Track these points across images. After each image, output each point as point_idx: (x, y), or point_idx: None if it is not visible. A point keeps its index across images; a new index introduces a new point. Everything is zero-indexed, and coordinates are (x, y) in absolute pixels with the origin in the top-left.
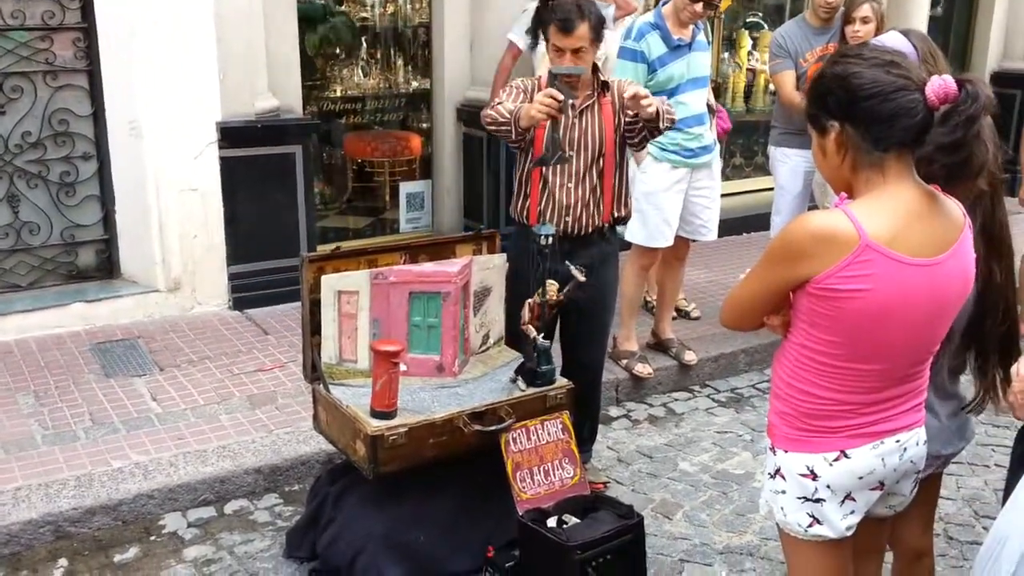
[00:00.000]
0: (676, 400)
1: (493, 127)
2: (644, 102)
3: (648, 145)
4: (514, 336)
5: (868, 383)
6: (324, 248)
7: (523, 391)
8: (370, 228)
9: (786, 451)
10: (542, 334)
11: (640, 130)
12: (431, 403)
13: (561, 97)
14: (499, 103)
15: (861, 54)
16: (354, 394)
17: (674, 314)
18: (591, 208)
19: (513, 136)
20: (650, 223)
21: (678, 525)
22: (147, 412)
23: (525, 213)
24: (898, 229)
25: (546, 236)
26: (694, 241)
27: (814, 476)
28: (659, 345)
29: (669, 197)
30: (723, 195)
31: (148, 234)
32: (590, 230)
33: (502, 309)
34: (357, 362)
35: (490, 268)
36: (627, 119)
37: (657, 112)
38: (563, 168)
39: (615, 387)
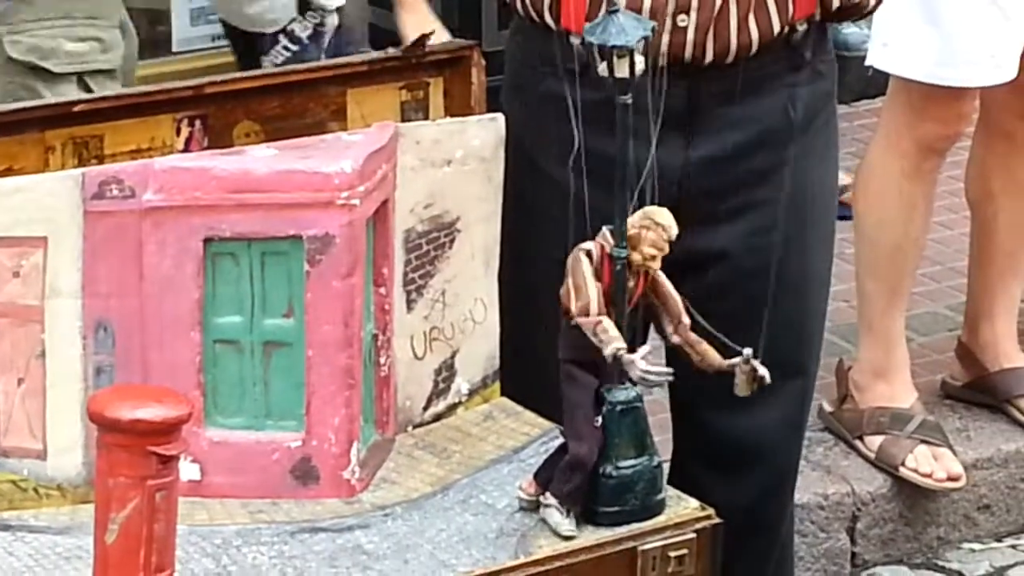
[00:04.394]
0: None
1: None
2: None
3: None
4: (525, 367)
5: None
6: None
7: (569, 534)
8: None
9: None
10: (620, 349)
11: None
12: None
13: None
14: None
15: None
16: (35, 550)
17: None
18: None
19: None
20: (946, 17)
21: None
22: None
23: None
24: None
25: (622, 51)
26: None
27: None
28: (981, 382)
29: None
30: None
31: None
32: (752, 48)
33: (490, 285)
34: (46, 456)
35: (459, 158)
36: None
37: None
38: None
39: (848, 517)
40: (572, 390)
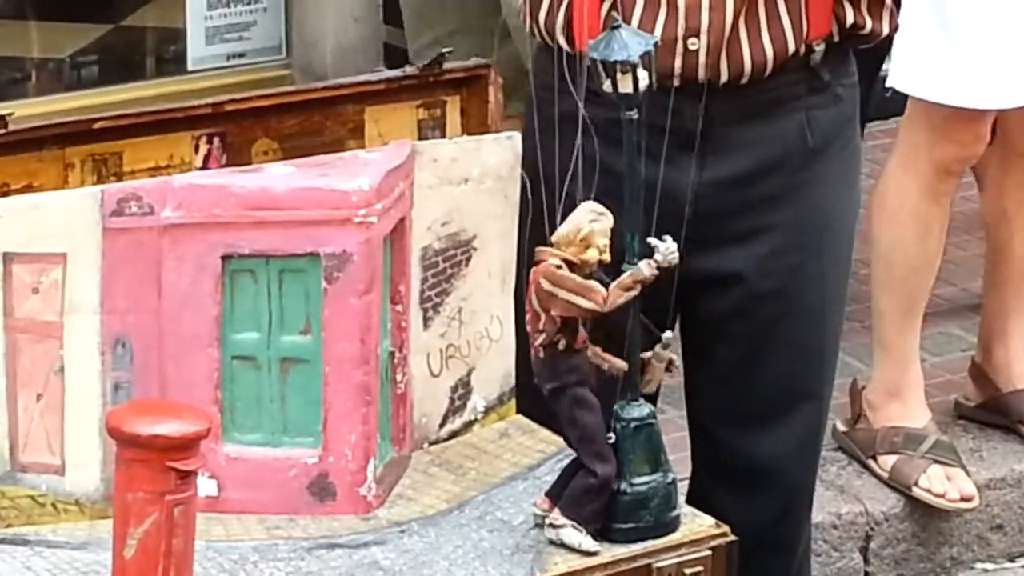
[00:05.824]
0: None
1: None
2: None
3: None
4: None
5: None
6: None
7: (594, 549)
8: (96, 60)
9: None
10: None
11: None
12: None
13: None
14: None
15: None
16: (54, 565)
17: None
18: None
19: None
20: (965, 39)
21: None
22: None
23: (561, 20)
24: None
25: (625, 66)
26: None
27: None
28: (994, 402)
29: None
30: None
31: None
32: (768, 67)
33: (507, 303)
34: (64, 471)
35: (476, 176)
36: None
37: None
38: None
39: (862, 536)
40: (584, 413)
